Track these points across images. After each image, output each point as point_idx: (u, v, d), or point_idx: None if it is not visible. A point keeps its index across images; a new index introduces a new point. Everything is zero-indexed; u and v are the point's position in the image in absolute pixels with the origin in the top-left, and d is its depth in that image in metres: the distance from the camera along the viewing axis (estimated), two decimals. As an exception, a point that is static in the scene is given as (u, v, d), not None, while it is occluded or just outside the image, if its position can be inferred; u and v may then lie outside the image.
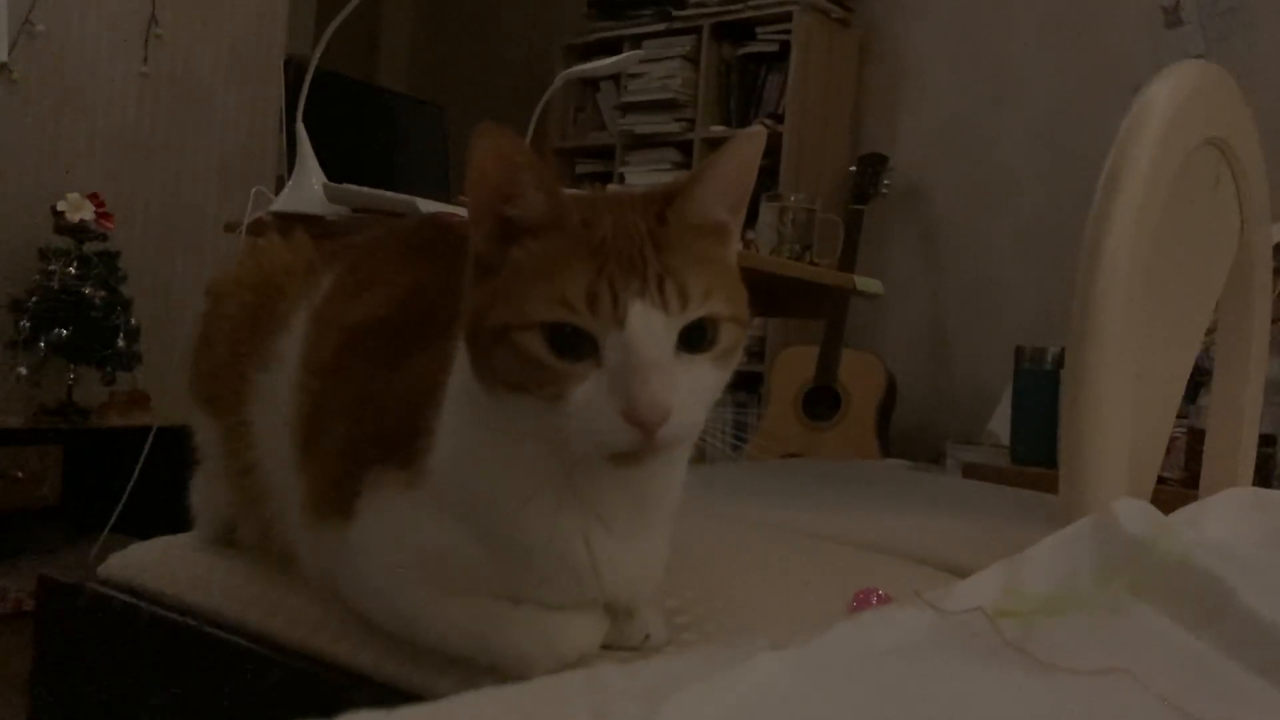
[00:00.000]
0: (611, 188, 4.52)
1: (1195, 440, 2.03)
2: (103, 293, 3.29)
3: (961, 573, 1.17)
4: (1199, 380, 1.64)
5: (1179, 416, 1.56)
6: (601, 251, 0.78)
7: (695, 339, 0.79)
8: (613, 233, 0.79)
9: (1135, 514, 0.85)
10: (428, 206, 1.71)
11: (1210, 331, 1.54)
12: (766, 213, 2.40)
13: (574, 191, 0.84)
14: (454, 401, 0.88)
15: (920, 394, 4.13)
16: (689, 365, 0.79)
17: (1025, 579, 0.81)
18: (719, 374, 0.82)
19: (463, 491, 0.87)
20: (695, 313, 0.78)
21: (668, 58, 4.58)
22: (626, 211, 0.81)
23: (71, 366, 3.27)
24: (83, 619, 1.24)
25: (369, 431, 0.94)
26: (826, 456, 3.64)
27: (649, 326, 0.76)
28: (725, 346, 0.81)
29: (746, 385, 4.11)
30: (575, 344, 0.77)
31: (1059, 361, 2.92)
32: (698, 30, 4.56)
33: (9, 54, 3.30)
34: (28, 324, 3.20)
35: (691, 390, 0.78)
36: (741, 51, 4.52)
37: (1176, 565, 0.75)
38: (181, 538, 1.25)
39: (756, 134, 0.86)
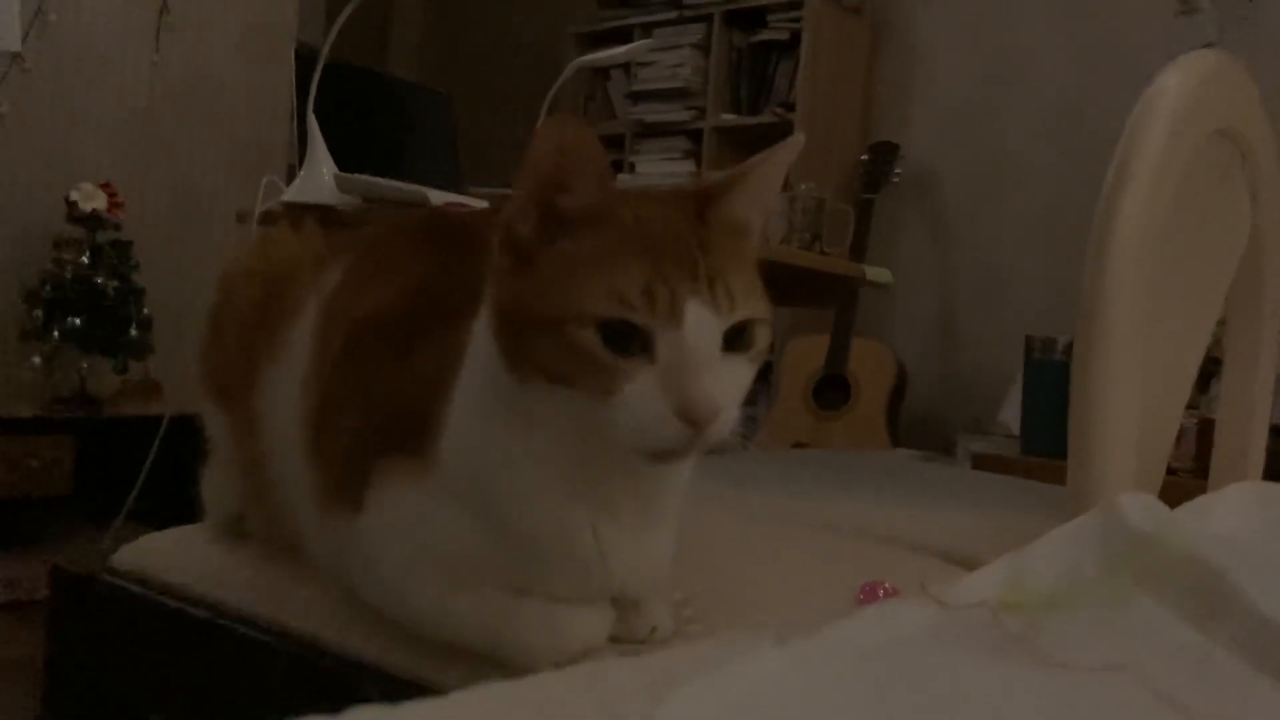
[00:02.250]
0: (623, 178, 4.53)
1: (1206, 429, 2.02)
2: (115, 282, 3.30)
3: (970, 565, 1.17)
4: (1210, 370, 1.63)
5: (1190, 406, 1.55)
6: (656, 249, 0.78)
7: (736, 339, 0.80)
8: (662, 228, 0.79)
9: (1141, 508, 0.85)
10: (438, 197, 1.72)
11: (1221, 322, 1.53)
12: (777, 202, 2.40)
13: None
14: (466, 392, 0.88)
15: (930, 383, 4.12)
16: (731, 365, 0.80)
17: (1030, 573, 0.81)
18: (751, 373, 0.83)
19: (473, 482, 0.87)
20: (740, 314, 0.79)
21: (678, 46, 4.57)
22: (669, 209, 0.81)
23: (84, 356, 3.28)
24: (95, 609, 1.25)
25: (378, 422, 0.95)
26: (836, 446, 3.64)
27: (703, 325, 0.77)
28: (760, 348, 0.82)
29: (756, 374, 4.11)
30: (628, 340, 0.77)
31: (1069, 351, 2.92)
32: (708, 18, 4.55)
33: (22, 44, 3.30)
34: (40, 313, 3.21)
35: (732, 387, 0.80)
36: (752, 40, 4.51)
37: (1181, 559, 0.75)
38: (192, 528, 1.25)
39: (796, 143, 0.86)
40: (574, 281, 0.78)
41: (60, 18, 3.40)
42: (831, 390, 3.82)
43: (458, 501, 0.88)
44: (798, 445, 3.63)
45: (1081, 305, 1.16)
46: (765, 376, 4.01)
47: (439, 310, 0.95)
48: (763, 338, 0.82)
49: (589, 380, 0.78)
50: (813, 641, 0.65)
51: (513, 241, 0.82)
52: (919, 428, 4.00)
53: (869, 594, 1.03)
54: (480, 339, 0.86)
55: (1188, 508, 0.97)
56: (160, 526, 1.29)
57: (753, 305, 0.81)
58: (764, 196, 0.86)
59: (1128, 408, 1.17)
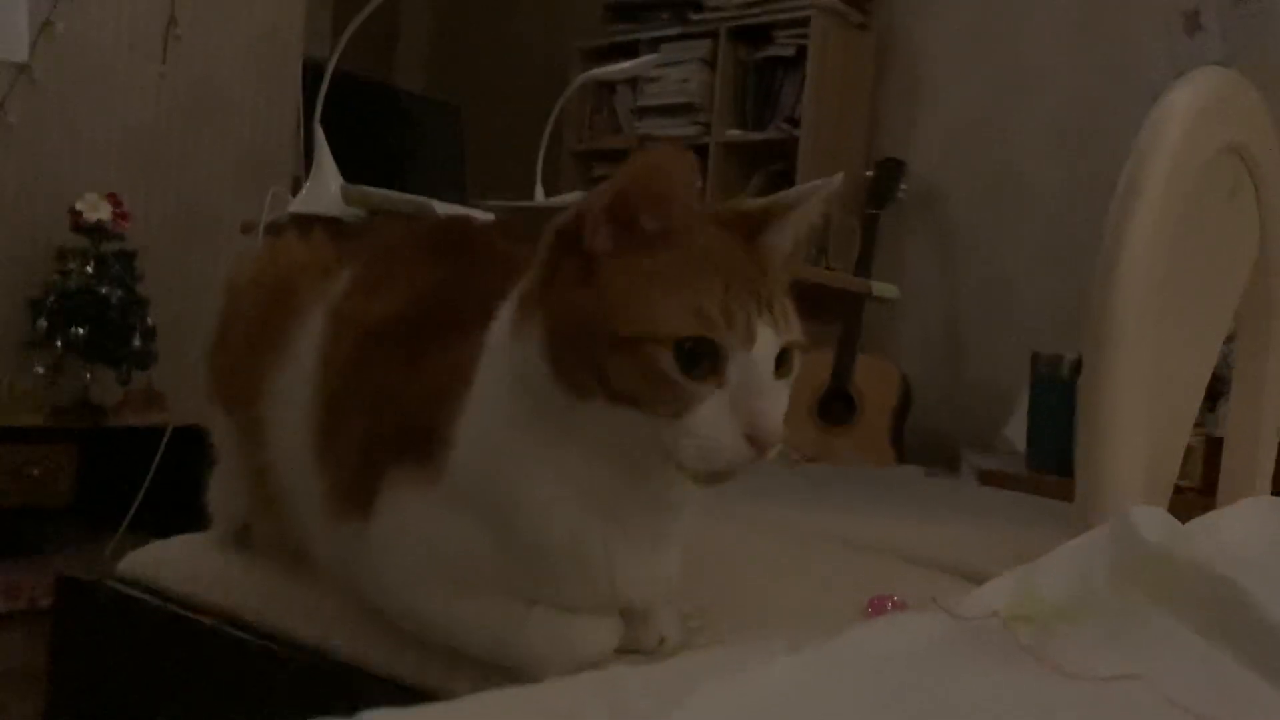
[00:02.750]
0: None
1: (1213, 448, 2.02)
2: (119, 292, 3.29)
3: (978, 579, 1.17)
4: (1218, 388, 1.63)
5: (1197, 425, 1.55)
6: (727, 269, 0.78)
7: (782, 362, 0.81)
8: (729, 252, 0.80)
9: (1153, 521, 0.85)
10: (444, 209, 1.72)
11: (1230, 339, 1.53)
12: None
13: None
14: (481, 401, 0.88)
15: (935, 399, 4.11)
16: (778, 388, 0.81)
17: (1041, 585, 0.81)
18: (788, 396, 0.84)
19: (484, 491, 0.87)
20: (792, 334, 0.81)
21: (684, 61, 4.58)
22: (729, 230, 0.82)
23: (87, 366, 3.28)
24: (100, 616, 1.25)
25: (388, 430, 0.94)
26: (840, 461, 3.63)
27: (768, 348, 0.79)
28: (796, 372, 0.83)
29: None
30: (700, 360, 0.77)
31: (1075, 368, 2.92)
32: (715, 34, 4.56)
33: (29, 54, 3.31)
34: (44, 323, 3.21)
35: (783, 412, 0.81)
36: (758, 55, 4.52)
37: (1193, 572, 0.75)
38: (199, 536, 1.25)
39: (837, 180, 0.87)
40: (654, 299, 0.77)
41: (68, 29, 3.40)
42: (836, 406, 3.81)
43: (468, 510, 0.88)
44: (802, 460, 3.62)
45: (1089, 322, 1.16)
46: (769, 392, 4.01)
47: (449, 319, 0.95)
48: (799, 362, 0.83)
49: (660, 401, 0.78)
50: (825, 650, 0.65)
51: (577, 252, 0.81)
52: (924, 443, 3.99)
53: (877, 607, 1.03)
54: (500, 349, 0.86)
55: (1199, 522, 0.96)
56: (162, 536, 1.29)
57: (796, 330, 0.82)
58: (803, 227, 0.87)
59: (1136, 425, 1.17)
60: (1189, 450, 1.58)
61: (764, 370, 0.78)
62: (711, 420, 0.77)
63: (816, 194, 0.85)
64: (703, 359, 0.77)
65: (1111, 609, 0.74)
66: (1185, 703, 0.59)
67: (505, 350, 0.85)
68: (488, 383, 0.87)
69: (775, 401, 0.79)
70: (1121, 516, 0.86)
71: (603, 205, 0.79)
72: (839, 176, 0.87)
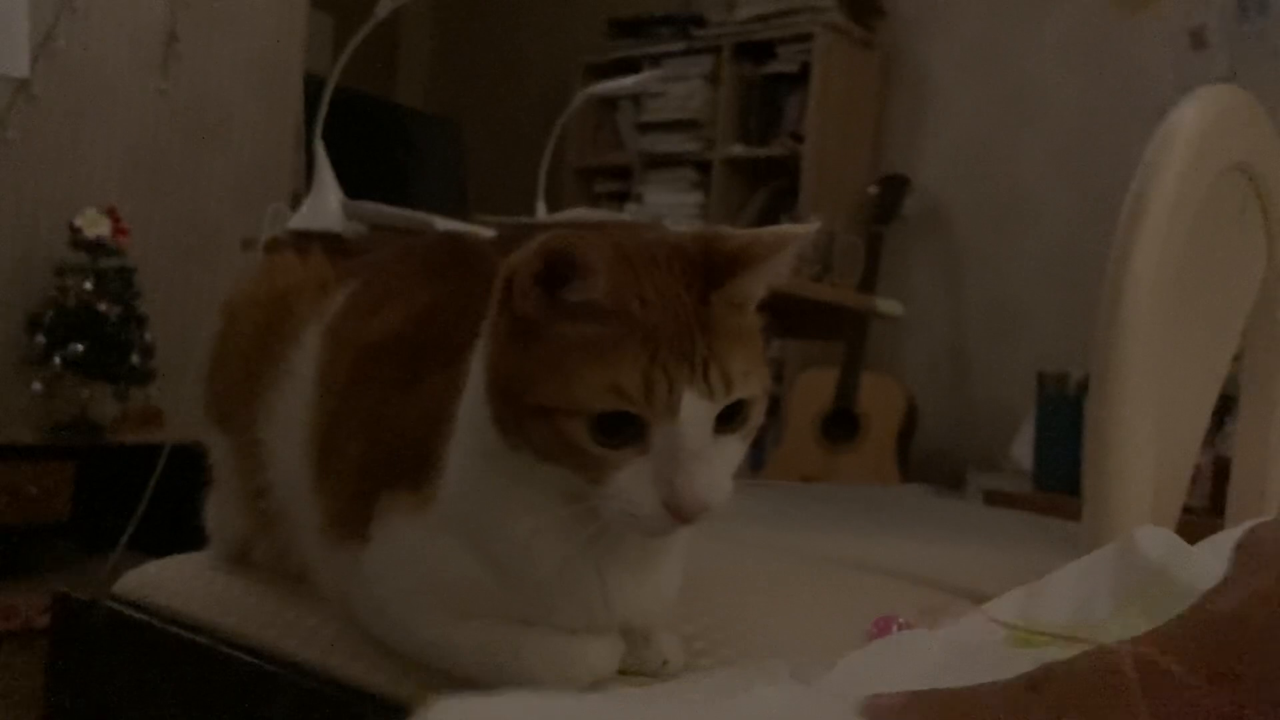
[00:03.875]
0: (630, 207, 4.53)
1: (1221, 468, 2.01)
2: (118, 309, 3.29)
3: (984, 600, 1.16)
4: (1226, 407, 1.62)
5: (1205, 444, 1.54)
6: (655, 335, 0.76)
7: (729, 417, 0.78)
8: (662, 311, 0.77)
9: (1157, 541, 0.83)
10: (445, 225, 1.71)
11: (1238, 358, 1.52)
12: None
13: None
14: (463, 430, 0.87)
15: (941, 418, 4.10)
16: (722, 444, 0.79)
17: (1042, 608, 0.79)
18: (744, 448, 0.81)
19: (472, 519, 0.86)
20: (735, 395, 0.78)
21: (687, 77, 4.58)
22: (670, 281, 0.78)
23: (85, 382, 3.27)
24: (97, 636, 1.24)
25: (381, 454, 0.94)
26: (845, 480, 3.62)
27: (697, 416, 0.76)
28: (753, 424, 0.81)
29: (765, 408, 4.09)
30: (620, 429, 0.76)
31: (1082, 387, 2.91)
32: (718, 50, 4.56)
33: (30, 70, 3.31)
34: (42, 339, 3.21)
35: (724, 468, 0.79)
36: (762, 71, 4.52)
37: (1192, 591, 0.73)
38: (197, 556, 1.24)
39: (810, 229, 0.84)
40: (571, 372, 0.76)
41: (69, 44, 3.41)
42: (841, 424, 3.80)
43: (458, 536, 0.87)
44: (806, 479, 3.61)
45: (1097, 340, 1.15)
46: (773, 410, 3.99)
47: (444, 339, 0.94)
48: (756, 415, 0.81)
49: (578, 466, 0.77)
50: (829, 674, 0.64)
51: (515, 314, 0.79)
52: (929, 463, 3.98)
53: (882, 629, 1.01)
54: (475, 379, 0.85)
55: (1207, 542, 0.95)
56: (159, 555, 1.29)
57: (749, 385, 0.79)
58: (772, 276, 0.83)
59: (1144, 444, 1.15)
60: (1197, 470, 1.56)
61: (692, 438, 0.76)
62: (630, 488, 0.76)
63: (788, 243, 0.81)
64: (622, 429, 0.76)
65: (1110, 632, 0.73)
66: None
67: (477, 375, 0.84)
68: (468, 415, 0.86)
69: (705, 468, 0.76)
70: (1126, 537, 0.85)
71: (529, 272, 0.77)
72: (814, 225, 0.86)
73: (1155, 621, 0.69)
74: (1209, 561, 0.77)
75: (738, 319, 0.80)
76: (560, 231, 0.77)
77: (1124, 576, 0.81)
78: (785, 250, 0.81)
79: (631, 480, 0.76)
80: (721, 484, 0.78)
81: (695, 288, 0.78)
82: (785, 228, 0.82)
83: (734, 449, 0.80)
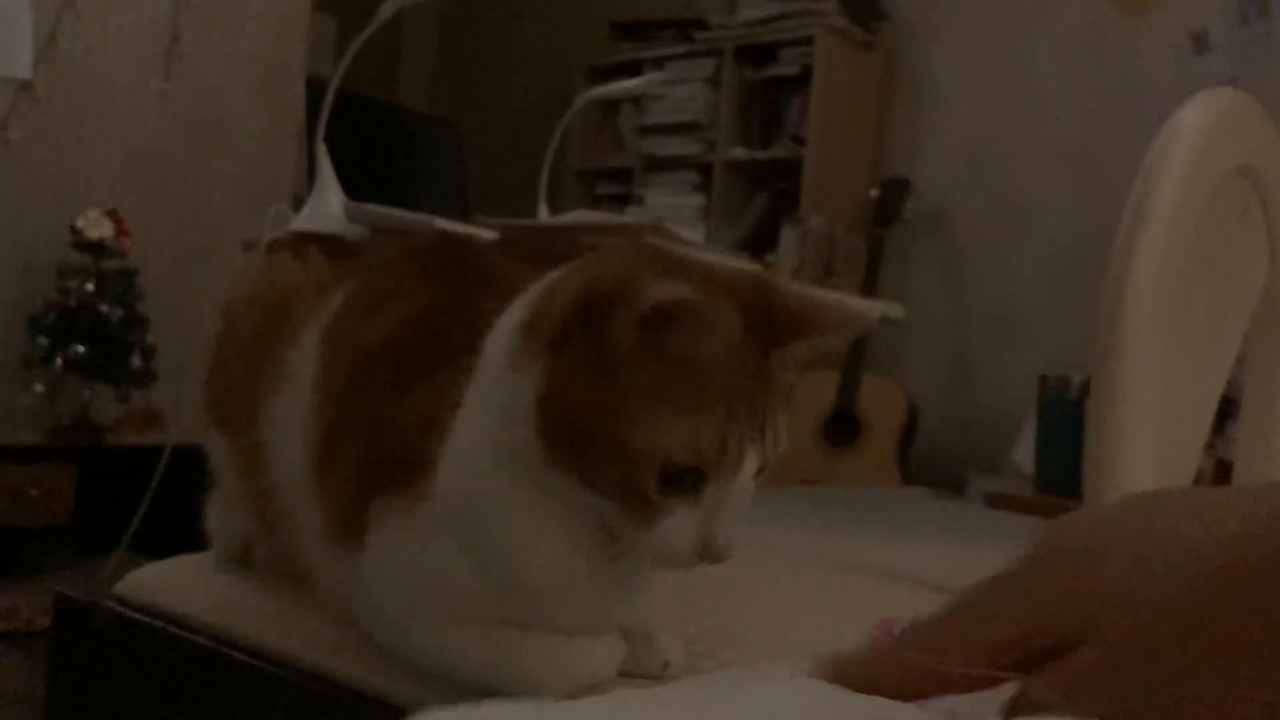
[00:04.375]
0: (631, 209, 4.53)
1: (1223, 471, 2.00)
2: (120, 310, 3.30)
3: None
4: (1227, 410, 1.62)
5: (1206, 447, 1.53)
6: (732, 394, 0.76)
7: (760, 470, 0.80)
8: (737, 368, 0.77)
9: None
10: (447, 227, 1.71)
11: (1240, 361, 1.52)
12: (788, 236, 2.41)
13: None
14: (465, 432, 0.86)
15: (942, 421, 4.10)
16: (745, 490, 0.80)
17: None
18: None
19: (468, 522, 0.85)
20: (779, 450, 0.80)
21: (689, 80, 4.58)
22: (743, 340, 0.77)
23: (87, 384, 3.28)
24: (98, 637, 1.24)
25: (378, 457, 0.93)
26: (845, 483, 3.62)
27: (749, 471, 0.78)
28: (772, 468, 0.82)
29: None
30: (680, 480, 0.76)
31: (1084, 390, 2.90)
32: (719, 52, 4.56)
33: (32, 71, 3.32)
34: (44, 340, 3.21)
35: (742, 510, 0.80)
36: (763, 74, 4.52)
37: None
38: (198, 557, 1.24)
39: (873, 316, 0.85)
40: (657, 419, 0.75)
41: (71, 45, 3.41)
42: (841, 427, 3.80)
43: (452, 538, 0.86)
44: (806, 482, 3.61)
45: (1098, 343, 1.15)
46: (773, 412, 3.99)
47: (441, 342, 0.93)
48: (775, 462, 0.82)
49: (630, 510, 0.78)
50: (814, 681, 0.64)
51: (600, 333, 0.77)
52: (929, 465, 3.98)
53: (884, 630, 1.01)
54: (493, 378, 0.84)
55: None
56: (160, 557, 1.28)
57: (785, 441, 0.81)
58: (826, 345, 0.83)
59: (1145, 447, 1.15)
60: (1198, 474, 1.56)
61: (741, 492, 0.78)
62: (674, 533, 0.78)
63: (858, 324, 0.81)
64: (683, 480, 0.76)
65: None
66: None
67: (498, 379, 0.83)
68: (475, 410, 0.85)
69: (736, 520, 0.78)
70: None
71: (637, 312, 0.75)
72: (878, 309, 0.86)
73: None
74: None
75: (788, 377, 0.81)
76: (659, 269, 0.77)
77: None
78: (850, 328, 0.81)
79: (676, 527, 0.77)
80: (738, 526, 0.80)
81: (757, 343, 0.78)
82: (854, 305, 0.82)
83: (750, 492, 0.81)
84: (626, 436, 0.76)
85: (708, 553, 0.77)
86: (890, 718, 0.49)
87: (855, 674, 0.50)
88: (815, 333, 0.79)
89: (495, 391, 0.84)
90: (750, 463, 0.77)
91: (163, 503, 1.83)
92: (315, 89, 2.14)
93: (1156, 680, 0.42)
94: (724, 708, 0.56)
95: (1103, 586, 0.44)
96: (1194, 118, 1.21)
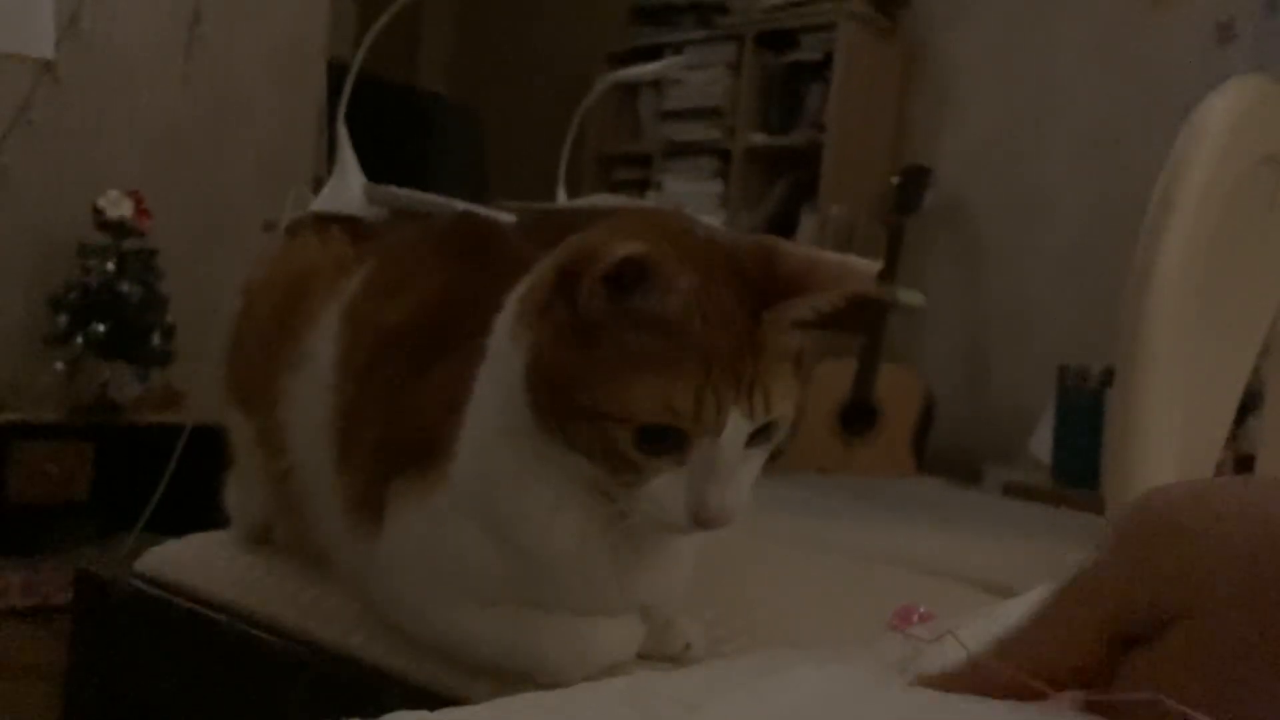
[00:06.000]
0: (650, 195, 4.52)
1: (1244, 465, 1.99)
2: (140, 290, 3.31)
3: (1004, 593, 1.15)
4: (1249, 403, 1.61)
5: (1227, 440, 1.53)
6: (711, 354, 0.76)
7: (758, 436, 0.79)
8: (719, 329, 0.76)
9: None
10: (467, 209, 1.70)
11: (1264, 353, 1.51)
12: (807, 224, 2.40)
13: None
14: (480, 409, 0.87)
15: (958, 411, 4.08)
16: (748, 457, 0.80)
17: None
18: (763, 460, 0.83)
19: (486, 501, 0.86)
20: (773, 416, 0.79)
21: (709, 65, 4.56)
22: (727, 295, 0.77)
23: (107, 363, 3.29)
24: (118, 614, 1.25)
25: (395, 439, 0.94)
26: (861, 472, 3.61)
27: (737, 433, 0.77)
28: (777, 439, 0.82)
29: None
30: (664, 440, 0.77)
31: (1103, 380, 2.90)
32: (740, 38, 4.54)
33: (54, 51, 3.32)
34: (65, 319, 3.23)
35: (747, 480, 0.80)
36: (784, 60, 4.50)
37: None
38: (218, 535, 1.25)
39: (873, 273, 0.83)
40: (628, 382, 0.76)
41: (93, 26, 3.41)
42: (858, 416, 3.79)
43: (470, 520, 0.87)
44: (822, 471, 3.60)
45: (1122, 334, 1.14)
46: (790, 400, 3.98)
47: (459, 323, 0.93)
48: (781, 433, 0.82)
49: (613, 470, 0.78)
50: (855, 664, 0.63)
51: (572, 301, 0.78)
52: (946, 455, 3.96)
53: (902, 618, 1.01)
54: (501, 355, 0.85)
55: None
56: (178, 535, 1.29)
57: (785, 406, 0.80)
58: (826, 307, 0.81)
59: (1167, 439, 1.15)
60: (1219, 466, 1.55)
61: (729, 454, 0.77)
62: (661, 495, 0.78)
63: (856, 281, 0.79)
64: (666, 440, 0.77)
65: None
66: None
67: (503, 355, 0.84)
68: (487, 389, 0.86)
69: (734, 481, 0.78)
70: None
71: (600, 273, 0.75)
72: (877, 266, 0.85)
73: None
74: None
75: (784, 340, 0.80)
76: (634, 234, 0.77)
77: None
78: (845, 286, 0.79)
79: (664, 488, 0.78)
80: (743, 496, 0.79)
81: (749, 304, 0.78)
82: (851, 263, 0.81)
83: (757, 462, 0.81)
84: (599, 398, 0.76)
85: (701, 517, 0.77)
86: (929, 705, 0.49)
87: (959, 686, 0.51)
88: (809, 290, 0.78)
89: (502, 368, 0.84)
90: (737, 425, 0.77)
91: (181, 481, 1.83)
92: (336, 72, 2.13)
93: (1262, 653, 0.42)
94: (769, 687, 0.56)
95: (1203, 563, 0.44)
96: (1222, 106, 1.21)
